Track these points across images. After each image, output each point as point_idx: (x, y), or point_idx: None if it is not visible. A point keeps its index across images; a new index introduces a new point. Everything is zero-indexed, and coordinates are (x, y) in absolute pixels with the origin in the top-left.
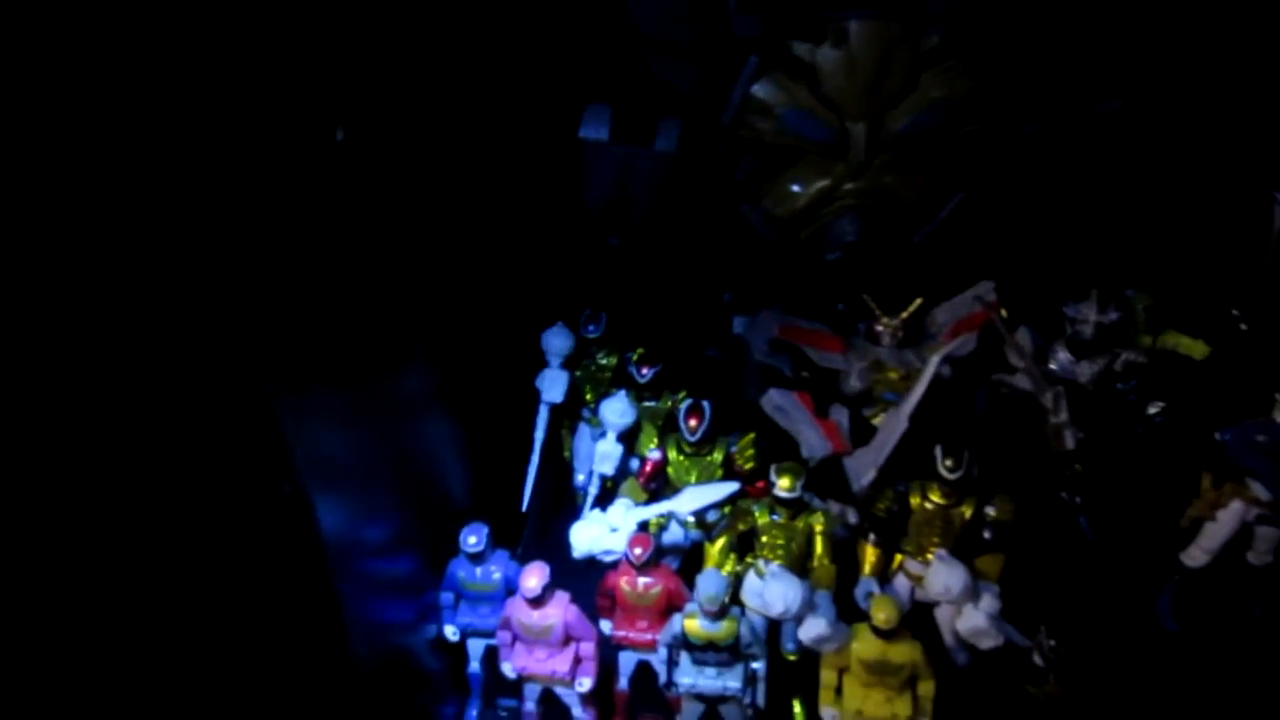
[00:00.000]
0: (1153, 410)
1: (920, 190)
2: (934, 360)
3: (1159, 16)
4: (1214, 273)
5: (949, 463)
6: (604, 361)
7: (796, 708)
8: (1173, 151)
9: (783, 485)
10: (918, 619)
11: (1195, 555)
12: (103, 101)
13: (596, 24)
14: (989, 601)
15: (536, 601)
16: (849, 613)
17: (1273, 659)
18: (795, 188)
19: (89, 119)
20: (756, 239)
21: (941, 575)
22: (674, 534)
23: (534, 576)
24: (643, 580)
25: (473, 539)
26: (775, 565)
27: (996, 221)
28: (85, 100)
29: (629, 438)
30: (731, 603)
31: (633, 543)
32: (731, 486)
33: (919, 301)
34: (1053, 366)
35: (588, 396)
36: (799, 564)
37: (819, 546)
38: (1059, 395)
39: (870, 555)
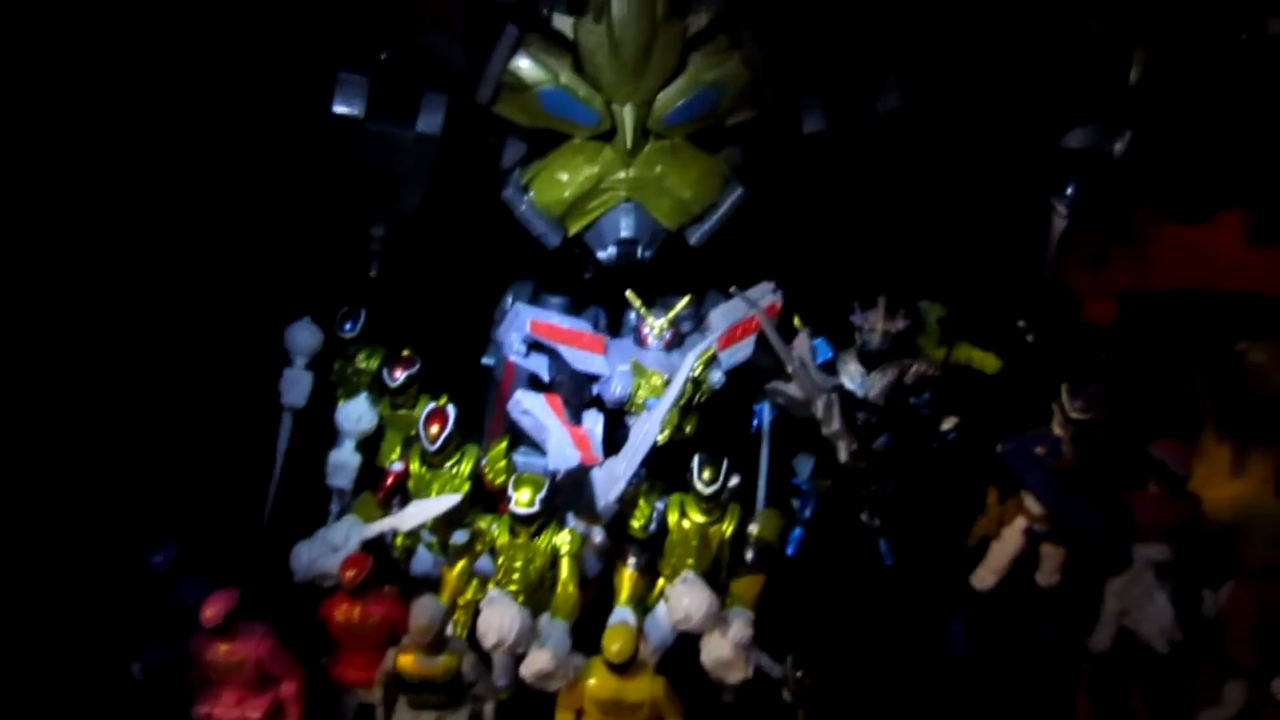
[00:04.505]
0: (947, 426)
1: (695, 183)
2: (688, 360)
3: (940, 20)
4: (1000, 283)
5: (706, 475)
6: (362, 365)
7: None
8: (954, 157)
9: (520, 500)
10: (685, 653)
11: (983, 576)
12: None
13: None
14: (739, 629)
15: (222, 634)
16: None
17: (1062, 684)
18: (562, 175)
19: None
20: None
21: (682, 599)
22: (423, 560)
23: (214, 604)
24: (359, 608)
25: (158, 559)
26: (495, 591)
27: (782, 223)
28: None
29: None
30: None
31: (345, 564)
32: (453, 499)
33: (687, 299)
34: (843, 379)
35: (340, 402)
36: (539, 589)
37: (563, 570)
38: (830, 404)
39: (627, 580)
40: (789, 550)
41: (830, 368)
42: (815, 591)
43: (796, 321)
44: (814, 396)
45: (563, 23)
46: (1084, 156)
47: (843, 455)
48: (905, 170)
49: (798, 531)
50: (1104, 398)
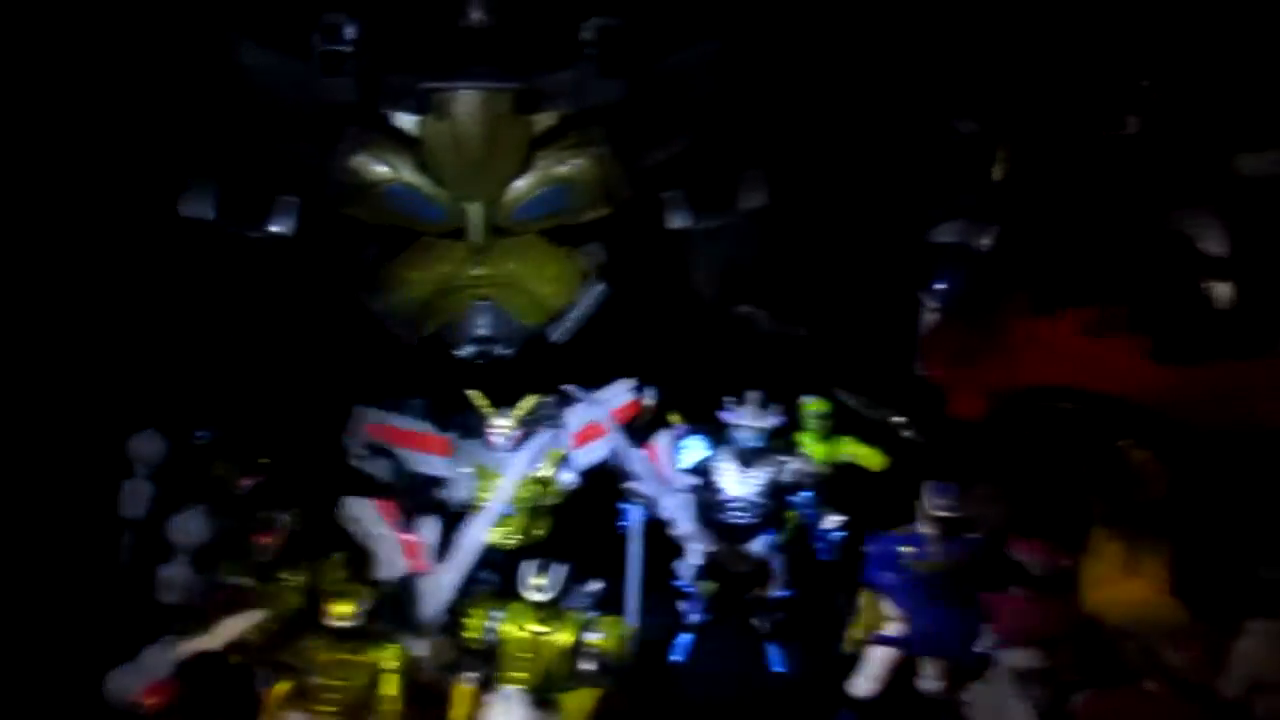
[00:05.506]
0: (830, 525)
1: (552, 280)
2: (518, 461)
3: (804, 117)
4: (879, 375)
5: (535, 580)
6: (219, 474)
7: None
8: (826, 252)
9: (337, 611)
10: None
11: (860, 683)
12: None
13: (206, 88)
14: None
15: None
16: None
17: None
18: (416, 273)
19: None
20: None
21: (496, 717)
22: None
23: None
24: None
25: None
26: (296, 715)
27: (660, 320)
28: None
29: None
30: None
31: (148, 691)
32: (256, 615)
33: (533, 400)
34: (720, 478)
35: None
36: (362, 710)
37: (386, 687)
38: (677, 505)
39: (461, 696)
40: (676, 656)
41: (707, 467)
42: (703, 699)
43: (675, 419)
44: (658, 497)
45: (405, 121)
46: (952, 251)
47: (692, 558)
48: (775, 265)
49: (686, 637)
50: (970, 496)
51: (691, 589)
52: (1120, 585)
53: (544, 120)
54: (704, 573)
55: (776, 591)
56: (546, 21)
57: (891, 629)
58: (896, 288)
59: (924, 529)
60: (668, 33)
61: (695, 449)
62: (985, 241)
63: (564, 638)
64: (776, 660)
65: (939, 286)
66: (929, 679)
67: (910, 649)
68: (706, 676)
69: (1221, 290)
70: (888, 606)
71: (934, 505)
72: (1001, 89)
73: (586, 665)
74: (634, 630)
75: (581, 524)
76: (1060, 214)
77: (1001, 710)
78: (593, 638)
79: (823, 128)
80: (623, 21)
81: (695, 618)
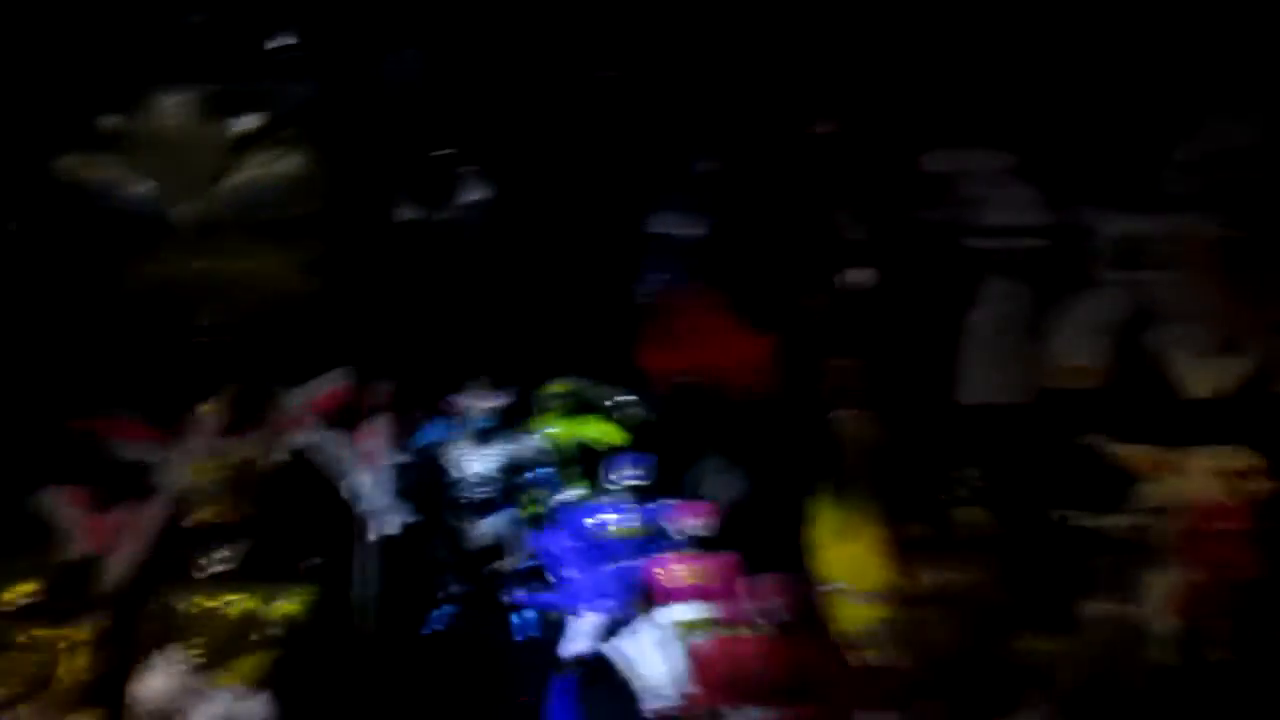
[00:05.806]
0: (566, 500)
1: (267, 274)
2: (203, 447)
3: (525, 113)
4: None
5: (217, 555)
6: None
7: None
8: (554, 240)
9: (16, 591)
10: None
11: (567, 646)
12: None
13: None
14: (212, 711)
15: None
16: None
17: None
18: (136, 269)
19: None
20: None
21: (142, 683)
22: None
23: None
24: None
25: None
26: None
27: (382, 307)
28: None
29: None
30: None
31: None
32: None
33: (235, 389)
34: (452, 461)
35: None
36: (47, 688)
37: (71, 664)
38: (374, 484)
39: (143, 669)
40: (428, 628)
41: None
42: (451, 670)
43: (397, 404)
44: (356, 477)
45: (106, 120)
46: (660, 242)
47: (371, 535)
48: (500, 255)
49: (437, 609)
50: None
51: (439, 562)
52: (836, 547)
53: (245, 122)
54: (446, 548)
55: (518, 563)
56: (249, 24)
57: (563, 592)
58: (621, 276)
59: (607, 498)
60: (370, 34)
61: (431, 432)
62: (690, 232)
63: (241, 607)
64: (522, 629)
65: (649, 275)
66: (605, 637)
67: (577, 610)
68: (453, 647)
69: (860, 277)
70: (561, 571)
71: (622, 475)
72: (709, 88)
73: (265, 633)
74: (361, 600)
75: (314, 501)
76: (751, 207)
77: (658, 662)
78: (273, 607)
79: (546, 124)
80: (324, 24)
81: (442, 590)
